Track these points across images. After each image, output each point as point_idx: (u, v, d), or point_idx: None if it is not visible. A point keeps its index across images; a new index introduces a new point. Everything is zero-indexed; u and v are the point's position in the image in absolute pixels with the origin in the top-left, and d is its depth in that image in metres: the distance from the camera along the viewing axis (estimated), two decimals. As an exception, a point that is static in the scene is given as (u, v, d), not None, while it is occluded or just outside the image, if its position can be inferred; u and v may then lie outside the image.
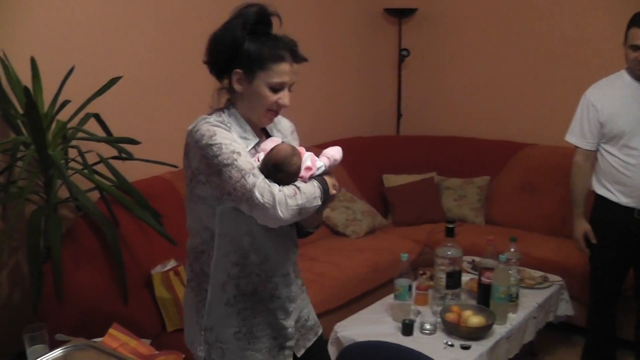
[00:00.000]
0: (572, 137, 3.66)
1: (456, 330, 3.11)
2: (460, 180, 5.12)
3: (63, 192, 3.31)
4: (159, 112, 4.07)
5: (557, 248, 4.32)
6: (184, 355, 2.39)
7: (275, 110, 2.13)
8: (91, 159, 3.28)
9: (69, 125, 3.27)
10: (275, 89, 2.08)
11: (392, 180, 5.23)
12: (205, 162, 1.99)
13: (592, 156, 3.61)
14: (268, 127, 2.27)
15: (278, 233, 2.14)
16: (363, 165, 5.23)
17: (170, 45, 4.08)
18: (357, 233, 4.63)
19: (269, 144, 2.11)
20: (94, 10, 3.68)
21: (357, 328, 3.20)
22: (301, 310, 2.35)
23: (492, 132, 5.37)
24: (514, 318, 3.37)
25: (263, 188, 1.96)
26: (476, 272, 3.65)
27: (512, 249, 3.51)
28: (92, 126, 3.39)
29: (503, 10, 5.30)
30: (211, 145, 1.97)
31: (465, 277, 3.67)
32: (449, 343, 3.06)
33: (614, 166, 3.49)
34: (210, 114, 2.13)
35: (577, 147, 3.64)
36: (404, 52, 5.74)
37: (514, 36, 5.26)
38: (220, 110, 2.14)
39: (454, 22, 5.56)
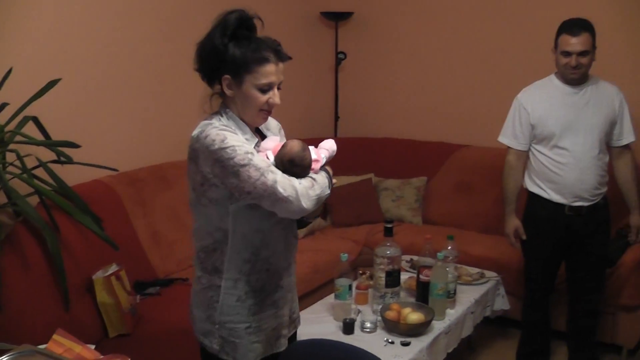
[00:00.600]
0: (505, 139, 3.80)
1: (396, 328, 3.18)
2: (397, 181, 5.21)
3: (1, 197, 3.25)
4: (99, 115, 4.03)
5: (492, 245, 4.44)
6: (129, 359, 2.39)
7: (267, 109, 2.23)
8: (30, 163, 3.24)
9: (6, 129, 3.22)
10: (264, 89, 2.17)
11: (331, 181, 5.28)
12: (219, 166, 2.07)
13: (524, 156, 3.75)
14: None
15: (283, 226, 2.29)
16: (301, 167, 5.26)
17: (110, 48, 4.05)
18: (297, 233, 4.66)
19: (269, 143, 2.25)
20: (32, 11, 3.63)
21: (299, 328, 3.23)
22: (293, 301, 2.51)
23: (429, 134, 5.48)
24: (452, 314, 3.47)
25: (284, 183, 2.09)
26: (415, 271, 3.72)
27: (450, 247, 3.59)
28: (31, 129, 3.35)
29: (438, 14, 5.42)
30: (224, 148, 2.06)
31: (404, 276, 3.74)
32: (390, 340, 3.12)
33: (546, 165, 3.63)
34: (209, 118, 2.21)
35: (509, 147, 3.78)
36: (341, 55, 5.80)
37: (449, 40, 5.39)
38: (217, 114, 2.23)
39: (389, 25, 5.65)
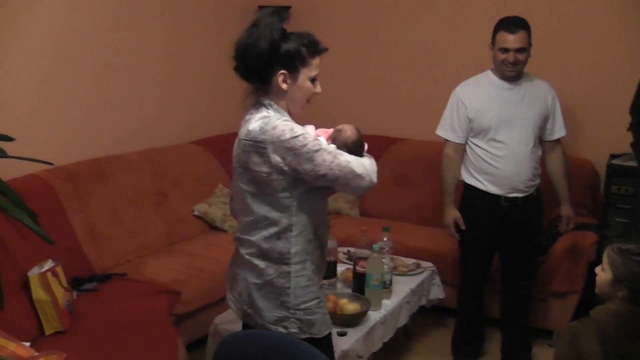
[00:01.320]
0: (443, 132, 3.88)
1: (333, 318, 3.17)
2: (336, 174, 5.25)
3: None
4: (34, 107, 3.98)
5: (428, 236, 4.54)
6: (65, 354, 2.39)
7: (309, 99, 2.43)
8: (-38, 157, 3.19)
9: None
10: (314, 80, 2.38)
11: (270, 175, 5.30)
12: (292, 154, 2.23)
13: (461, 149, 3.84)
14: None
15: (326, 204, 2.54)
16: (241, 161, 5.27)
17: (44, 41, 4.00)
18: (234, 228, 4.66)
19: (310, 130, 2.44)
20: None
21: (236, 320, 3.23)
22: None
23: (366, 128, 5.41)
24: (388, 304, 3.53)
25: (356, 162, 2.34)
26: (351, 262, 3.79)
27: (385, 239, 3.66)
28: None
29: (375, 8, 5.47)
30: (296, 137, 2.23)
31: (341, 267, 3.81)
32: (327, 330, 3.18)
33: (483, 158, 3.72)
34: (258, 112, 2.35)
35: (447, 140, 3.86)
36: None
37: (387, 34, 5.45)
38: (263, 107, 2.36)
39: (327, 19, 5.68)
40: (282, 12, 2.32)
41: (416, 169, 5.05)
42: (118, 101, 4.49)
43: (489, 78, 3.77)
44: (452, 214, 3.89)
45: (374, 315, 3.37)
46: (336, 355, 2.97)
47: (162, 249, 4.32)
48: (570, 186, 3.96)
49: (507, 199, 3.72)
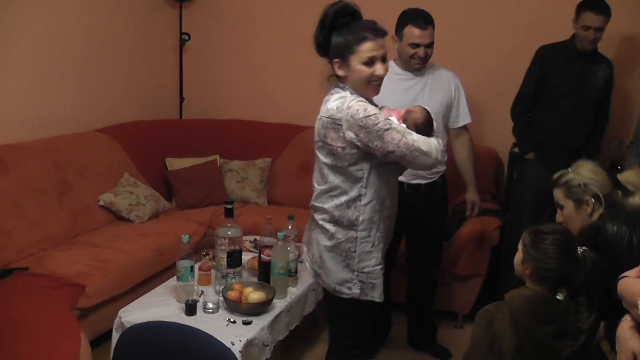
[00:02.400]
0: None
1: (238, 307, 3.24)
2: (242, 162, 5.25)
3: None
4: None
5: (334, 224, 4.57)
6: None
7: (374, 81, 2.63)
8: None
9: None
10: (368, 63, 2.58)
11: (176, 163, 5.26)
12: (365, 131, 2.50)
13: None
14: None
15: (396, 178, 2.80)
16: (146, 150, 5.22)
17: None
18: (141, 218, 4.62)
19: (385, 111, 2.68)
20: None
21: (141, 312, 3.21)
22: None
23: (273, 115, 5.55)
24: (294, 292, 3.56)
25: (423, 141, 2.57)
26: (257, 251, 3.80)
27: (290, 227, 3.68)
28: None
29: (281, -3, 5.48)
30: (368, 116, 2.50)
31: (247, 256, 3.81)
32: (232, 320, 3.17)
33: None
34: (336, 93, 2.65)
35: None
36: (185, 37, 5.75)
37: (292, 21, 5.46)
38: (340, 89, 2.66)
39: (234, 7, 5.66)
40: (343, 7, 2.64)
41: (323, 157, 5.07)
42: (18, 87, 4.35)
43: (391, 68, 3.81)
44: None
45: (279, 304, 3.39)
46: (241, 344, 3.00)
47: (66, 241, 4.22)
48: (476, 173, 4.09)
49: (410, 185, 3.79)
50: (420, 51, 3.64)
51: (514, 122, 4.34)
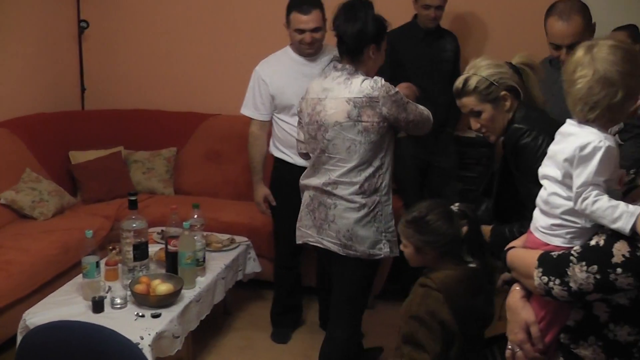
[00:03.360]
0: (247, 110, 3.91)
1: (146, 300, 3.20)
2: (147, 152, 5.15)
3: None
4: None
5: (243, 211, 4.55)
6: None
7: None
8: None
9: None
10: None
11: (79, 156, 5.10)
12: (396, 105, 2.94)
13: (267, 125, 3.89)
14: None
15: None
16: (47, 143, 5.03)
17: None
18: (45, 215, 4.47)
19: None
20: None
21: (46, 313, 3.13)
22: None
23: (178, 104, 5.46)
24: (203, 281, 3.54)
25: (426, 110, 3.13)
26: (165, 242, 3.75)
27: (196, 216, 3.65)
28: None
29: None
30: (396, 92, 2.97)
31: (154, 248, 3.77)
32: (140, 314, 3.14)
33: (289, 132, 3.79)
34: (362, 75, 3.02)
35: (252, 118, 3.89)
36: (83, 24, 5.59)
37: (196, 9, 5.39)
38: (354, 72, 3.03)
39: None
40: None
41: (229, 145, 5.04)
42: None
43: (288, 55, 3.83)
44: (262, 191, 3.95)
45: (188, 294, 3.37)
46: (150, 337, 2.97)
47: (-35, 242, 4.05)
48: None
49: None
50: (307, 37, 3.66)
51: None
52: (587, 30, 2.89)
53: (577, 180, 1.74)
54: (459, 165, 4.70)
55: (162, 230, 4.08)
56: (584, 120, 1.78)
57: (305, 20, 3.62)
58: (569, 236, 1.82)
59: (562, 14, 2.90)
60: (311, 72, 3.74)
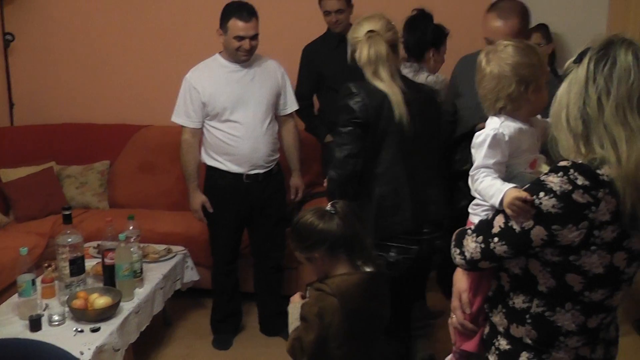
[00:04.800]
0: (179, 118, 3.94)
1: (84, 315, 3.18)
2: (80, 167, 5.10)
3: None
4: None
5: (179, 221, 4.56)
6: None
7: None
8: None
9: None
10: None
11: (10, 174, 5.01)
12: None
13: (199, 133, 3.93)
14: None
15: None
16: (-24, 162, 4.96)
17: None
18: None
19: None
20: None
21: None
22: None
23: (109, 116, 5.43)
24: (141, 292, 3.55)
25: None
26: (101, 256, 3.74)
27: (131, 227, 3.64)
28: None
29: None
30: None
31: (91, 262, 3.75)
32: (79, 329, 3.12)
33: (221, 139, 3.84)
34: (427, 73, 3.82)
35: (183, 126, 3.92)
36: (9, 37, 5.50)
37: (124, 20, 5.38)
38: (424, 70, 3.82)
39: (61, 5, 5.45)
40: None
41: (162, 155, 5.04)
42: None
43: (218, 62, 3.88)
44: (199, 198, 3.98)
45: (127, 306, 3.37)
46: (91, 352, 2.97)
47: None
48: (300, 158, 4.23)
49: (248, 176, 3.88)
50: (246, 43, 3.72)
51: (301, 118, 4.47)
52: (522, 33, 2.97)
53: (474, 164, 2.01)
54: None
55: (98, 245, 4.05)
56: (493, 113, 2.07)
57: (246, 27, 3.69)
58: (483, 214, 2.02)
59: (502, 13, 3.00)
60: (242, 78, 3.82)
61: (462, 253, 1.92)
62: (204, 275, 4.30)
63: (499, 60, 2.02)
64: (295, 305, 2.47)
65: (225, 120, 3.83)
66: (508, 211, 1.76)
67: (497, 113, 2.05)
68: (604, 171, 1.63)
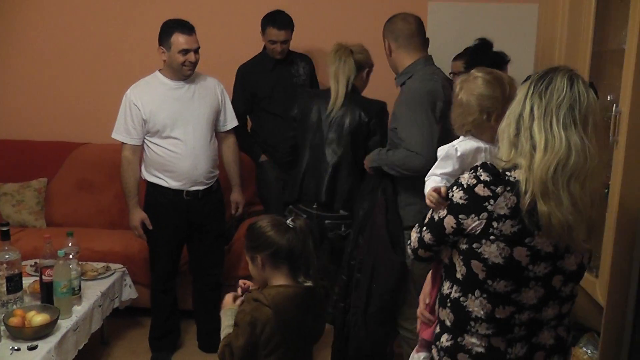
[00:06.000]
0: (119, 135, 3.94)
1: (21, 333, 3.13)
2: (16, 184, 5.00)
3: None
4: None
5: (117, 239, 4.55)
6: None
7: None
8: None
9: None
10: None
11: (-57, 192, 4.93)
12: None
13: (139, 150, 3.93)
14: None
15: None
16: None
17: None
18: None
19: None
20: None
21: None
22: None
23: (45, 134, 5.36)
24: (79, 310, 3.51)
25: None
26: (39, 274, 3.69)
27: (70, 244, 3.61)
28: None
29: (51, 8, 5.32)
30: None
31: (28, 280, 3.68)
32: (16, 347, 3.06)
33: (162, 156, 3.85)
34: None
35: (124, 143, 3.92)
36: (-58, 54, 5.40)
37: (62, 36, 5.33)
38: None
39: (-2, 19, 5.41)
40: None
41: (100, 173, 5.01)
42: None
43: (158, 79, 3.90)
44: (138, 215, 3.97)
45: (65, 324, 3.33)
46: (27, 371, 2.92)
47: None
48: (240, 174, 4.29)
49: (189, 192, 3.91)
50: (191, 56, 3.77)
51: (236, 138, 4.51)
52: None
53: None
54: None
55: (36, 263, 4.00)
56: (461, 134, 2.40)
57: (189, 40, 3.76)
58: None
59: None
60: (182, 95, 3.87)
61: (409, 244, 2.19)
62: (142, 294, 4.28)
63: (468, 90, 2.34)
64: (226, 311, 2.52)
65: (166, 137, 3.85)
66: (427, 202, 2.07)
67: (464, 134, 2.38)
68: (514, 174, 1.86)
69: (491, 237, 1.87)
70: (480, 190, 1.87)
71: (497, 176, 1.86)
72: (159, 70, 3.91)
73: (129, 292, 4.17)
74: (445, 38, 4.42)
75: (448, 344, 2.04)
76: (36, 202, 4.96)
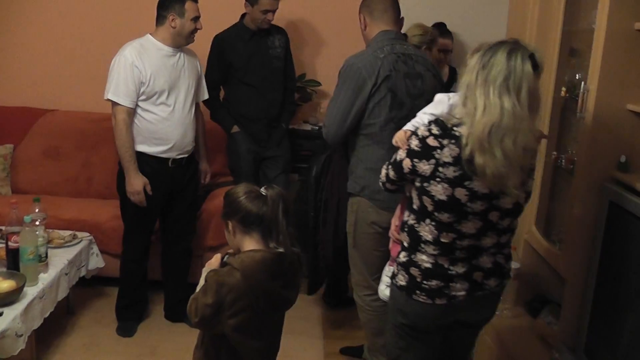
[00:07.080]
0: (118, 97, 3.75)
1: (-15, 301, 3.13)
2: (-18, 151, 4.96)
3: None
4: None
5: (84, 207, 4.54)
6: None
7: None
8: None
9: None
10: None
11: None
12: None
13: (132, 114, 3.81)
14: None
15: None
16: None
17: None
18: None
19: None
20: None
21: None
22: None
23: (12, 99, 5.28)
24: (46, 277, 3.50)
25: None
26: (4, 240, 3.66)
27: (37, 210, 3.59)
28: None
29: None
30: None
31: (-6, 247, 3.67)
32: (-17, 314, 3.06)
33: (152, 122, 3.84)
34: None
35: (120, 105, 3.76)
36: None
37: (32, 1, 5.26)
38: None
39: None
40: None
41: (68, 141, 4.96)
42: None
43: (152, 43, 3.84)
44: (140, 180, 3.83)
45: (31, 291, 3.32)
46: (-7, 336, 2.91)
47: None
48: (206, 144, 4.32)
49: (174, 160, 3.92)
50: (200, 24, 3.84)
51: (208, 107, 4.53)
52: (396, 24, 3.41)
53: None
54: (294, 158, 4.91)
55: (1, 229, 3.96)
56: None
57: (198, 8, 3.85)
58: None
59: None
60: (176, 62, 3.91)
61: (380, 179, 2.57)
62: (110, 263, 4.27)
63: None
64: (207, 269, 2.54)
65: (160, 103, 3.82)
66: (393, 141, 2.51)
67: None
68: (460, 129, 2.22)
69: (437, 179, 2.27)
70: (430, 141, 2.26)
71: (445, 130, 2.25)
72: (150, 34, 3.86)
73: (96, 261, 4.16)
74: (417, 15, 4.47)
75: (404, 259, 2.45)
76: (2, 169, 4.89)
